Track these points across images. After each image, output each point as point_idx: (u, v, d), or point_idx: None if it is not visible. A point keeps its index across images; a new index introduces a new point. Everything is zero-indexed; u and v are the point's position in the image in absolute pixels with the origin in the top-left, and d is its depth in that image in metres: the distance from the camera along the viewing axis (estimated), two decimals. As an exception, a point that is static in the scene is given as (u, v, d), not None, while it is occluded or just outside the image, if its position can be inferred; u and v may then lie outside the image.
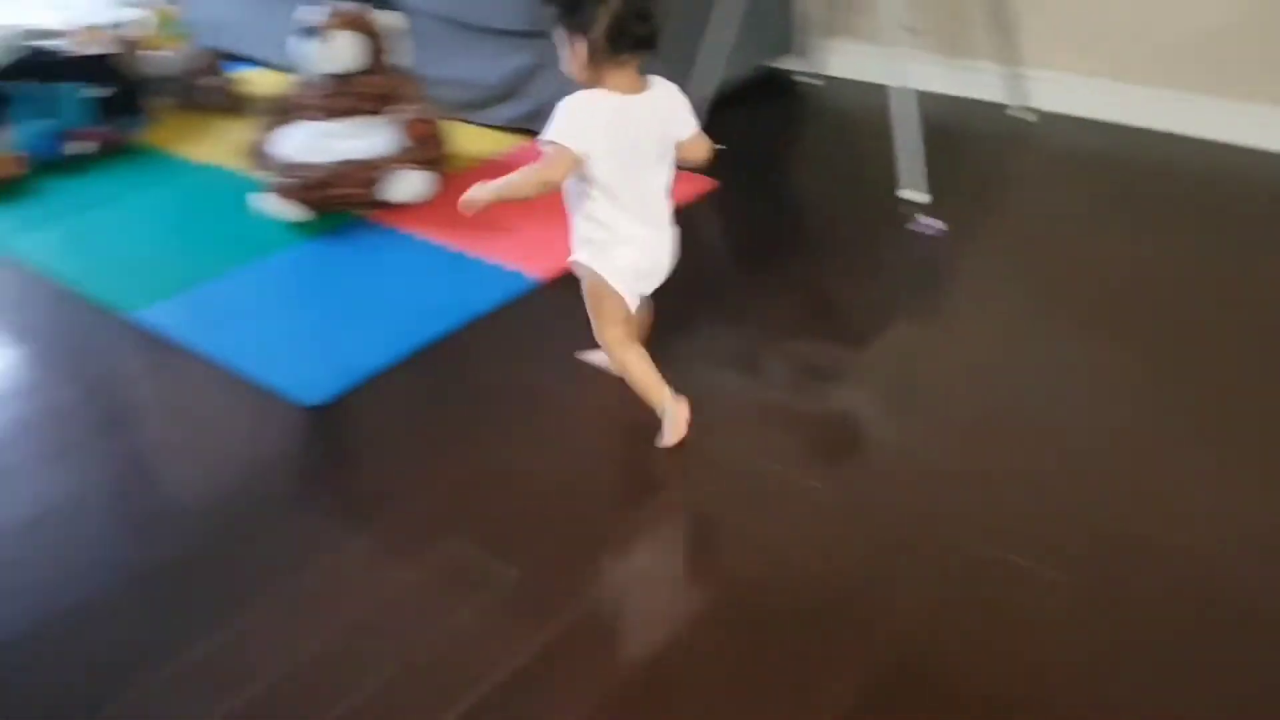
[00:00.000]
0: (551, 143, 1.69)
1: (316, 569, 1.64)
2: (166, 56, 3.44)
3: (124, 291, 2.41)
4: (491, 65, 3.03)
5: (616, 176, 1.72)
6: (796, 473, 1.79)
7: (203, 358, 2.17)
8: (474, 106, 3.14)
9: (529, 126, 3.06)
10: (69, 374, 2.19)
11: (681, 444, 1.85)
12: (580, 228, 1.81)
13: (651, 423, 1.87)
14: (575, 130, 1.68)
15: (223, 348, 2.18)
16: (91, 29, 3.26)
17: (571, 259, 1.84)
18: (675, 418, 1.84)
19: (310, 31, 2.74)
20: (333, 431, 1.99)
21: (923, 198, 2.67)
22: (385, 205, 2.70)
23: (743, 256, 2.57)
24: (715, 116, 3.05)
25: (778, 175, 2.93)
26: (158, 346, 2.23)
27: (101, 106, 3.17)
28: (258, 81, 3.58)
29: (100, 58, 3.21)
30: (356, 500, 1.80)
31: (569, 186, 1.78)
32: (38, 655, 1.52)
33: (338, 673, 1.46)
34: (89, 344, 2.30)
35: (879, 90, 2.89)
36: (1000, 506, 1.70)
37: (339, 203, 2.67)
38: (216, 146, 3.14)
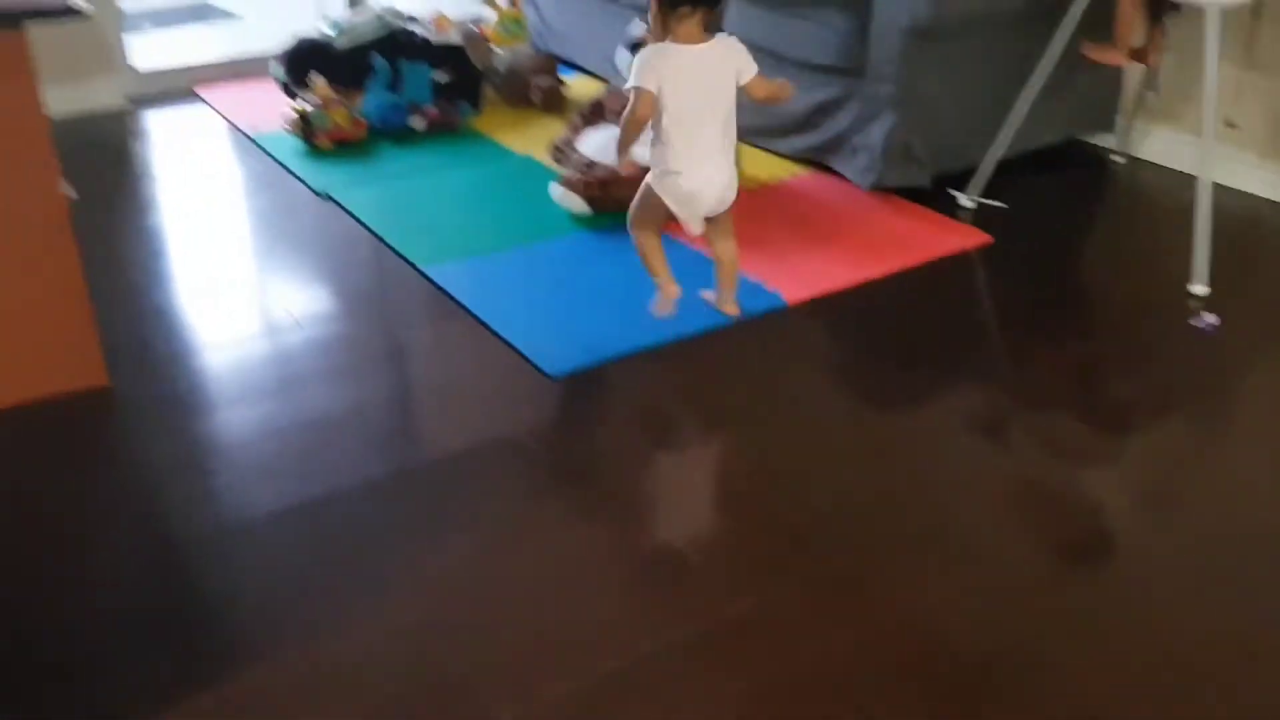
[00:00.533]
0: (635, 88, 2.10)
1: (524, 515, 1.79)
2: (510, 53, 3.80)
3: (422, 249, 2.70)
4: (797, 97, 3.12)
5: (679, 113, 2.12)
6: (1032, 556, 1.76)
7: (473, 316, 2.40)
8: (771, 134, 3.25)
9: (818, 159, 3.14)
10: (365, 309, 2.49)
11: (891, 464, 1.87)
12: (652, 156, 2.22)
13: (866, 450, 1.90)
14: (649, 75, 2.09)
15: (490, 311, 2.40)
16: (447, 19, 3.65)
17: (647, 178, 2.25)
18: (665, 295, 2.32)
19: (633, 44, 2.96)
20: (567, 402, 2.15)
21: (1203, 290, 2.52)
22: (664, 211, 2.86)
23: (1005, 317, 2.52)
24: (1008, 176, 3.02)
25: (1060, 243, 2.85)
26: (439, 300, 2.49)
27: (443, 89, 3.55)
28: (579, 86, 3.87)
29: (452, 46, 3.60)
30: (573, 465, 1.94)
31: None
32: (291, 528, 1.76)
33: (508, 609, 1.59)
34: (386, 287, 2.60)
35: (1183, 179, 2.76)
36: (1243, 631, 1.59)
37: (619, 203, 2.86)
38: (532, 138, 3.43)
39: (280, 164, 3.25)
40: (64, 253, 1.97)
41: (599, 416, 2.11)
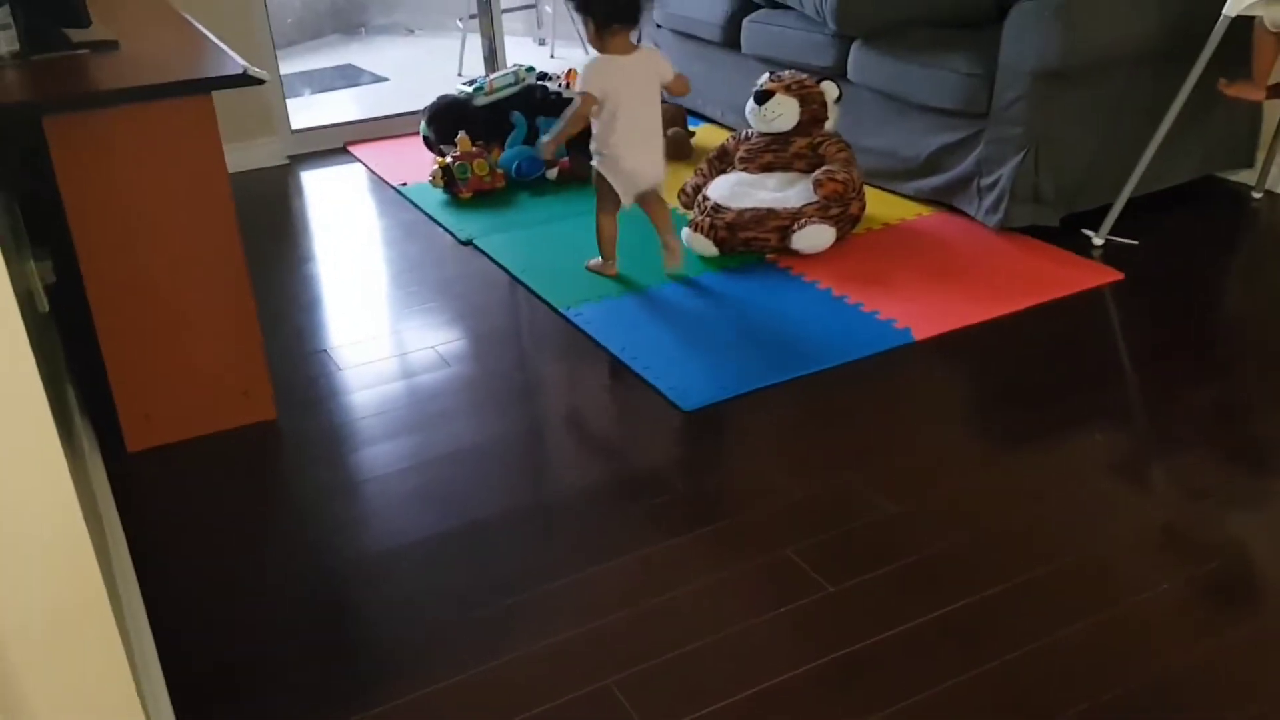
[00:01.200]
0: (580, 92, 2.68)
1: (665, 546, 1.87)
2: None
3: (559, 290, 2.83)
4: (920, 140, 3.17)
5: (618, 110, 2.68)
6: (1172, 599, 1.75)
7: (609, 354, 2.51)
8: (896, 176, 3.30)
9: (944, 200, 3.17)
10: (506, 347, 2.63)
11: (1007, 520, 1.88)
12: (596, 144, 2.78)
13: (1001, 487, 1.92)
14: (594, 81, 2.67)
15: (625, 349, 2.51)
16: (577, 74, 3.82)
17: (593, 163, 2.81)
18: (604, 270, 2.90)
19: (760, 95, 3.06)
20: (701, 435, 2.23)
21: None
22: (789, 251, 2.94)
23: (1139, 355, 2.49)
24: (1141, 214, 2.99)
25: (1195, 280, 2.80)
26: (576, 339, 2.61)
27: (575, 141, 3.71)
28: (705, 134, 3.99)
29: (582, 100, 3.77)
30: (709, 497, 2.02)
31: (594, 123, 2.73)
32: (438, 554, 1.88)
33: (657, 631, 1.67)
34: (525, 327, 2.74)
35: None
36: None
37: (745, 244, 2.95)
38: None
39: (425, 214, 3.45)
40: (243, 299, 2.15)
41: (732, 449, 2.18)
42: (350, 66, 5.63)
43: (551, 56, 5.61)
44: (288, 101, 4.06)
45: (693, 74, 4.15)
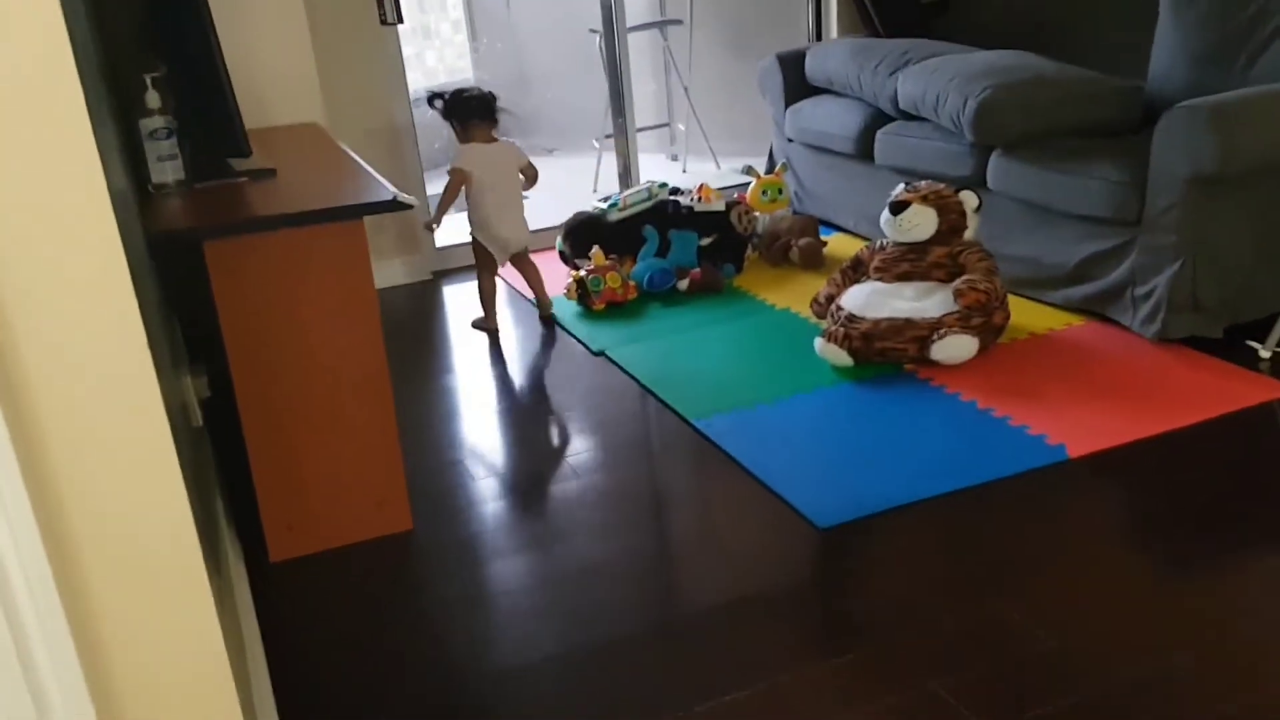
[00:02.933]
0: (452, 169, 3.41)
1: (789, 675, 1.78)
2: (773, 217, 3.97)
3: (690, 401, 2.81)
4: (1067, 248, 3.07)
5: (485, 188, 3.41)
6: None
7: (741, 467, 2.46)
8: (1041, 285, 3.19)
9: (1095, 309, 3.04)
10: (637, 459, 2.60)
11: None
12: (471, 217, 3.48)
13: (1172, 616, 1.76)
14: (464, 162, 3.39)
15: (757, 462, 2.45)
16: (710, 189, 3.88)
17: (470, 233, 3.50)
18: (484, 322, 3.56)
19: (895, 206, 3.02)
20: (837, 554, 2.14)
21: None
22: (928, 363, 2.85)
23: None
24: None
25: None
26: (707, 451, 2.57)
27: (708, 253, 3.75)
28: (838, 244, 3.97)
29: (715, 213, 3.81)
30: (843, 622, 1.92)
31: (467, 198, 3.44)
32: (571, 671, 1.84)
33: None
34: (656, 438, 2.71)
35: None
36: None
37: (881, 355, 2.88)
38: (792, 294, 3.54)
39: (560, 325, 3.50)
40: (385, 414, 2.20)
41: (872, 571, 2.08)
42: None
43: (684, 171, 5.72)
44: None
45: (824, 185, 4.18)
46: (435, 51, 6.46)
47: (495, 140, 3.43)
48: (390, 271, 4.02)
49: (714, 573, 2.12)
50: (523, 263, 3.56)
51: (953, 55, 3.61)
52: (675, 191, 4.00)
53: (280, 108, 2.98)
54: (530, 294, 3.65)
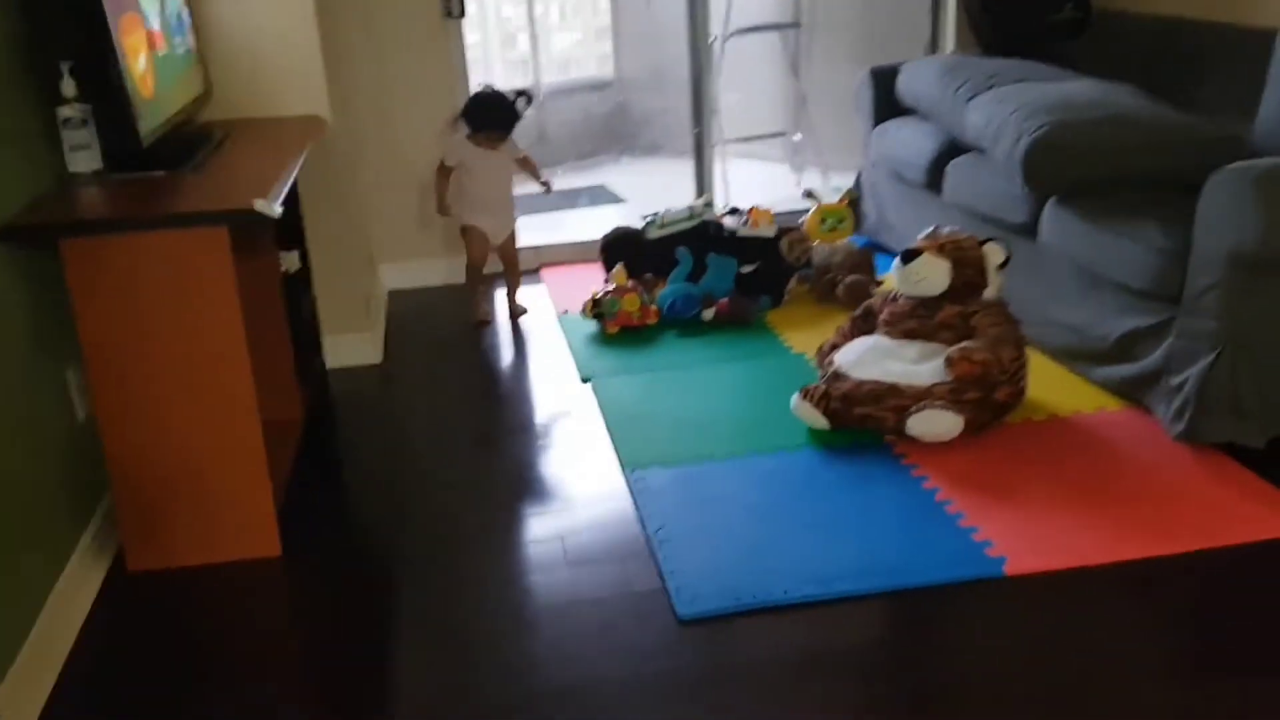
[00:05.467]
0: (442, 164, 3.47)
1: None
2: (825, 249, 3.65)
3: (638, 447, 2.59)
4: (1111, 320, 2.64)
5: (474, 177, 3.44)
6: None
7: (641, 527, 2.24)
8: (1085, 358, 2.76)
9: (1132, 395, 2.60)
10: (557, 506, 2.41)
11: None
12: (457, 204, 3.50)
13: None
14: (453, 156, 3.45)
15: (661, 527, 2.23)
16: (762, 212, 3.60)
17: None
18: (473, 316, 3.55)
19: (907, 255, 2.68)
20: (673, 650, 1.88)
21: None
22: (908, 436, 2.51)
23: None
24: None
25: None
26: (619, 505, 2.36)
27: (746, 281, 3.48)
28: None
29: (762, 239, 3.53)
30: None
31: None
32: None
33: None
34: (576, 483, 2.49)
35: None
36: None
37: (861, 421, 2.55)
38: (821, 337, 3.21)
39: (568, 343, 3.34)
40: (250, 434, 2.11)
41: (709, 681, 1.82)
42: (601, 188, 5.73)
43: (798, 185, 5.40)
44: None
45: (900, 215, 3.80)
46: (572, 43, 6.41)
47: (497, 148, 3.43)
48: (431, 271, 3.95)
49: (552, 652, 1.92)
50: (507, 257, 3.59)
51: (1035, 83, 3.18)
52: (733, 212, 3.75)
53: (281, 98, 2.96)
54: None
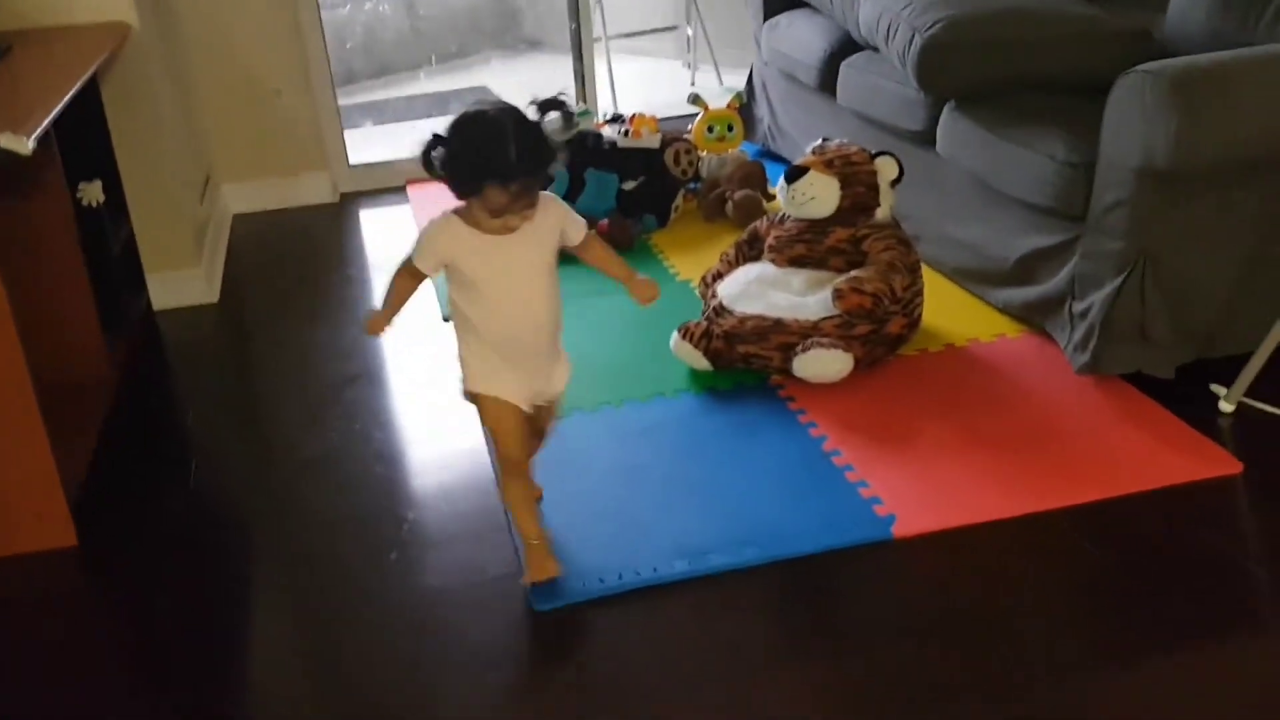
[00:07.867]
0: (406, 264, 1.73)
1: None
2: (713, 160, 3.37)
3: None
4: (1011, 239, 2.42)
5: (487, 292, 1.72)
6: None
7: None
8: (984, 279, 2.56)
9: (1034, 319, 2.40)
10: (420, 450, 2.16)
11: None
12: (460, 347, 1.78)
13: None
14: (433, 251, 1.69)
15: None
16: (646, 121, 3.29)
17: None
18: (532, 561, 1.77)
19: (791, 172, 2.42)
20: (567, 636, 1.67)
21: None
22: (795, 377, 2.29)
23: (1260, 592, 1.70)
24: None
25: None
26: (481, 469, 2.11)
27: (629, 199, 3.19)
28: (794, 197, 3.34)
29: (647, 151, 3.23)
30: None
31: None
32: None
33: None
34: (439, 429, 2.25)
35: None
36: None
37: (745, 360, 2.32)
38: (707, 262, 2.96)
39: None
40: (28, 415, 1.82)
41: (569, 678, 1.61)
42: (484, 90, 5.32)
43: (692, 84, 5.07)
44: (351, 134, 3.76)
45: (793, 121, 3.53)
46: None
47: (520, 223, 1.66)
48: (290, 190, 3.58)
49: (377, 655, 1.68)
50: (538, 425, 1.87)
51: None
52: (615, 120, 3.44)
53: (77, 2, 2.55)
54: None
